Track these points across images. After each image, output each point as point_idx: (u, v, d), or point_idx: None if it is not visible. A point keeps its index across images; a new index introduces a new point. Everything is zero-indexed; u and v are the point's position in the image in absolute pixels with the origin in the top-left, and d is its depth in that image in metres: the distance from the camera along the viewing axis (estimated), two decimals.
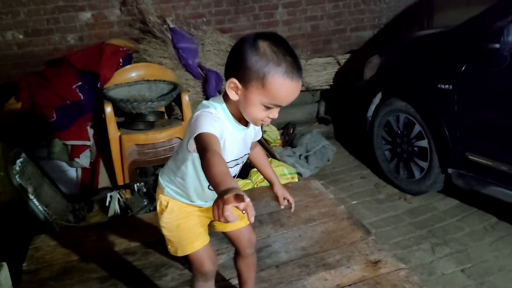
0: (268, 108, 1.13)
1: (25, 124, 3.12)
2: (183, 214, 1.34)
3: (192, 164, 1.26)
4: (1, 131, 3.06)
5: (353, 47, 4.66)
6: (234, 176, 1.32)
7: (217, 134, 1.09)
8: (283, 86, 1.09)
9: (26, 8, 3.54)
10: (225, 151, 1.19)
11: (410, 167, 3.06)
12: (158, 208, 1.37)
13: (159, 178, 1.39)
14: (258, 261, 1.69)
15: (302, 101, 4.28)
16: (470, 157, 2.60)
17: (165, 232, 1.37)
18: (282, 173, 2.84)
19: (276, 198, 1.48)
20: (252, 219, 0.90)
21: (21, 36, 3.61)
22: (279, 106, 1.14)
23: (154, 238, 1.93)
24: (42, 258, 1.84)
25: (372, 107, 3.29)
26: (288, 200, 1.47)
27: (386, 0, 4.64)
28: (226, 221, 0.87)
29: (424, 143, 2.90)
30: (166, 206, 1.35)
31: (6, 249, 2.43)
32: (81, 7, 3.69)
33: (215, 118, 1.14)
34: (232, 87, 1.13)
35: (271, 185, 1.49)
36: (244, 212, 0.87)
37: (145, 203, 2.54)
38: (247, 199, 0.86)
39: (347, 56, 4.25)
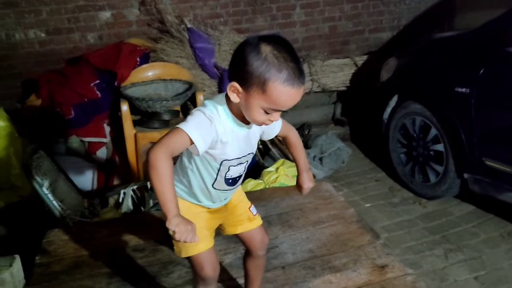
0: (268, 112, 1.13)
1: (44, 121, 3.20)
2: (190, 215, 1.34)
3: (193, 161, 1.27)
4: (22, 127, 3.14)
5: (371, 49, 4.62)
6: (239, 176, 1.33)
7: (197, 141, 1.12)
8: (284, 93, 1.08)
9: (48, 7, 3.62)
10: (226, 150, 1.20)
11: (426, 171, 3.01)
12: None
13: None
14: None
15: (318, 102, 4.26)
16: (486, 162, 2.55)
17: (171, 232, 1.38)
18: (294, 174, 2.83)
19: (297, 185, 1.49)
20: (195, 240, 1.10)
21: (43, 35, 3.68)
22: (280, 110, 1.14)
23: (163, 236, 1.95)
24: (55, 252, 1.88)
25: (388, 110, 3.25)
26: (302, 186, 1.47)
27: (406, 1, 4.58)
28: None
29: (440, 147, 2.86)
30: None
31: (21, 242, 2.50)
32: (101, 6, 3.75)
33: (207, 121, 1.15)
34: (233, 90, 1.13)
35: (298, 174, 1.48)
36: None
37: (157, 201, 2.57)
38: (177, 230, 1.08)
39: (365, 57, 4.21)
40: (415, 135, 3.05)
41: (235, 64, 1.14)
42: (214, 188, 1.30)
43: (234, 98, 1.14)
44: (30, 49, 3.69)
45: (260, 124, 1.19)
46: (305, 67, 4.01)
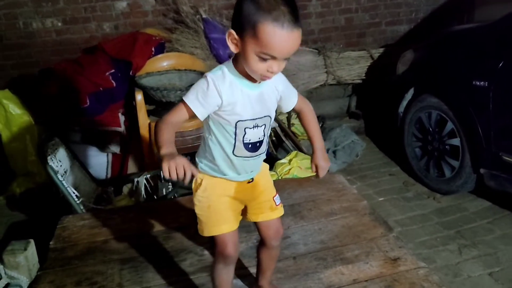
0: (264, 59, 1.12)
1: (60, 109, 3.23)
2: (216, 195, 1.34)
3: (210, 128, 1.27)
4: (38, 115, 3.18)
5: (388, 41, 4.56)
6: (260, 142, 1.29)
7: (197, 111, 1.19)
8: (273, 35, 1.07)
9: None
10: (236, 109, 1.21)
11: (441, 165, 2.97)
12: (193, 185, 1.38)
13: (196, 157, 1.40)
14: None
15: (333, 94, 4.23)
16: (504, 157, 2.50)
17: (196, 210, 1.37)
18: (308, 166, 2.82)
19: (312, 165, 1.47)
20: (187, 179, 1.10)
21: (59, 24, 3.72)
22: (275, 57, 1.12)
23: (176, 224, 1.96)
24: (69, 237, 1.90)
25: (404, 103, 3.21)
26: (317, 169, 1.45)
27: None
28: (177, 178, 1.05)
29: (456, 141, 2.81)
30: (200, 184, 1.35)
31: (37, 228, 2.55)
32: None
33: (207, 87, 1.19)
34: (231, 38, 1.15)
35: (313, 152, 1.46)
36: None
37: (170, 190, 2.59)
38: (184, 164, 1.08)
39: (381, 50, 4.16)
40: (430, 129, 3.00)
41: (233, 14, 1.15)
42: (235, 155, 1.28)
43: (234, 48, 1.16)
44: (47, 38, 3.73)
45: (261, 77, 1.18)
46: (320, 59, 3.99)
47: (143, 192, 2.60)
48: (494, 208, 2.82)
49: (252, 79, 1.22)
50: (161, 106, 3.10)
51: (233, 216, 1.36)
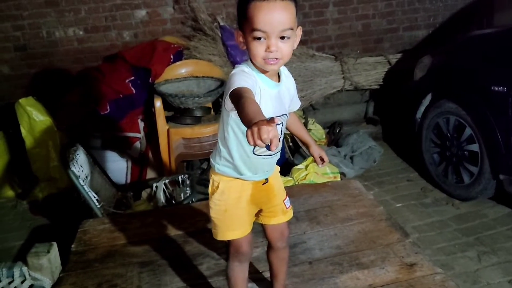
0: (258, 39, 1.16)
1: (81, 116, 3.31)
2: (233, 199, 1.36)
3: (231, 129, 1.28)
4: (60, 121, 3.26)
5: (406, 47, 4.53)
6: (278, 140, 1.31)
7: (250, 87, 1.13)
8: (258, 8, 1.13)
9: (86, 6, 3.74)
10: (260, 106, 1.19)
11: (459, 171, 2.94)
12: (209, 188, 1.40)
13: (210, 159, 1.42)
14: (292, 256, 1.71)
15: (350, 100, 4.23)
16: None
17: (212, 213, 1.39)
18: (325, 172, 2.83)
19: (314, 159, 1.55)
20: (273, 148, 0.91)
21: (81, 33, 3.81)
22: (267, 34, 1.15)
23: (193, 228, 2.00)
24: (89, 241, 1.95)
25: (422, 109, 3.19)
26: (323, 160, 1.53)
27: None
28: (264, 143, 0.89)
29: (475, 147, 2.78)
30: (217, 187, 1.37)
31: (59, 232, 2.61)
32: (137, 5, 3.85)
33: (247, 75, 1.19)
34: (238, 37, 1.22)
35: (308, 147, 1.54)
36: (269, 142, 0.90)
37: (188, 194, 2.62)
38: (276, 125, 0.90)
39: (399, 55, 4.14)
40: (449, 134, 2.98)
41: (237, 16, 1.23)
42: (255, 154, 1.30)
43: (242, 45, 1.22)
44: (69, 47, 3.83)
45: (264, 63, 1.19)
46: (337, 65, 3.99)
47: (161, 197, 2.64)
48: None
49: (272, 78, 1.27)
50: (179, 113, 3.15)
51: (248, 221, 1.39)
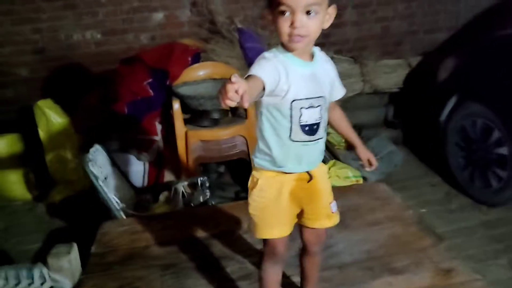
0: (283, 13, 1.12)
1: (99, 118, 3.29)
2: (273, 196, 1.29)
3: (264, 116, 1.23)
4: (78, 124, 3.24)
5: (426, 49, 4.42)
6: (317, 125, 1.24)
7: (263, 76, 1.08)
8: None
9: (104, 9, 3.73)
10: (292, 88, 1.17)
11: (487, 176, 2.84)
12: (249, 183, 1.34)
13: (251, 156, 1.38)
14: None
15: (368, 103, 4.14)
16: None
17: (250, 209, 1.33)
18: (346, 175, 2.76)
19: (362, 161, 1.46)
20: (245, 105, 0.89)
21: (99, 36, 3.80)
22: (292, 8, 1.11)
23: (216, 230, 1.94)
24: (109, 243, 1.91)
25: (446, 111, 3.10)
26: (370, 162, 1.44)
27: None
28: (232, 100, 0.87)
29: (503, 150, 2.69)
30: (256, 183, 1.30)
31: (77, 235, 2.57)
32: (154, 7, 3.83)
33: (263, 61, 1.16)
34: (266, 17, 1.19)
35: (354, 147, 1.46)
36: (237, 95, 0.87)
37: (208, 197, 2.57)
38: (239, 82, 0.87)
39: (419, 58, 4.06)
40: (475, 137, 2.88)
41: None
42: (293, 140, 1.23)
43: (270, 24, 1.19)
44: (87, 50, 3.82)
45: (290, 40, 1.15)
46: (356, 67, 3.92)
47: (180, 199, 2.58)
48: None
49: (303, 57, 1.21)
50: (197, 115, 3.11)
51: (288, 220, 1.32)
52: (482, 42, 3.15)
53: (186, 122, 3.08)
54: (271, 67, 1.14)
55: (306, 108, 1.20)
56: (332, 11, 1.20)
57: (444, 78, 3.19)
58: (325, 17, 1.18)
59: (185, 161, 3.02)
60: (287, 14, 1.11)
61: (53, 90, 3.69)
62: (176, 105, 2.99)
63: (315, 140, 1.26)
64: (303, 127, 1.22)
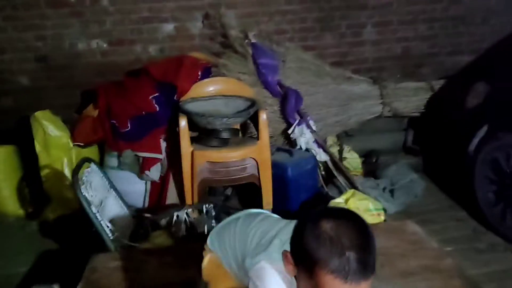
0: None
1: (100, 132, 3.08)
2: None
3: None
4: (77, 138, 3.04)
5: (448, 73, 4.20)
6: None
7: None
8: (332, 286, 0.88)
9: (112, 18, 3.55)
10: None
11: None
12: None
13: None
14: None
15: (387, 127, 3.91)
16: None
17: None
18: (367, 208, 2.52)
19: None
20: None
21: (105, 45, 3.62)
22: None
23: None
24: (97, 282, 1.66)
25: (476, 141, 2.85)
26: None
27: (491, 22, 4.16)
28: None
29: None
30: None
31: (70, 257, 2.35)
32: (165, 18, 3.65)
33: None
34: (287, 261, 1.02)
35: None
36: None
37: (213, 226, 2.32)
38: None
39: (442, 81, 3.83)
40: (509, 171, 2.63)
41: (293, 234, 1.01)
42: None
43: (289, 270, 1.03)
44: (92, 59, 3.63)
45: None
46: (375, 89, 3.69)
47: (183, 227, 2.35)
48: None
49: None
50: (205, 133, 2.89)
51: None
52: None
53: (193, 140, 2.86)
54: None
55: None
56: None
57: (474, 105, 2.95)
58: None
59: (190, 183, 2.79)
60: None
61: (53, 100, 3.51)
62: (183, 122, 2.77)
63: None
64: None
